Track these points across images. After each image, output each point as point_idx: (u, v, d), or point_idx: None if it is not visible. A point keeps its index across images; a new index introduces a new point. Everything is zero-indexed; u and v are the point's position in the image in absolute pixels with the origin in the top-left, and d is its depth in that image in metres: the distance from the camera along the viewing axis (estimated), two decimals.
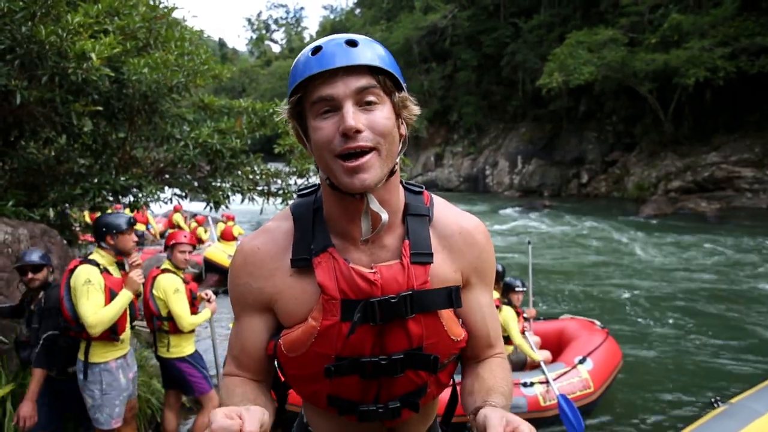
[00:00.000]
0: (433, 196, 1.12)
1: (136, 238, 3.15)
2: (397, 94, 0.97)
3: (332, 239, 1.02)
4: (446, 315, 1.03)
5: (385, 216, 0.96)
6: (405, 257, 1.00)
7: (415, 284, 0.99)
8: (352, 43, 0.93)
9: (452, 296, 1.02)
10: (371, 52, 0.94)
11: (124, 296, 2.93)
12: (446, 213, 1.09)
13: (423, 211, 1.06)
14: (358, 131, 0.90)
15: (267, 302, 1.04)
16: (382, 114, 0.93)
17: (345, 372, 1.00)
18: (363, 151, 0.91)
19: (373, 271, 0.99)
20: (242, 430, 0.77)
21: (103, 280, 2.92)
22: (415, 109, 1.00)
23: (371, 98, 0.93)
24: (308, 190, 1.11)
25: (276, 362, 1.09)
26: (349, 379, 1.02)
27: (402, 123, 1.00)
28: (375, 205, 0.96)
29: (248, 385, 1.08)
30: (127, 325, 3.11)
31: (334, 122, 0.92)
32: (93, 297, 2.84)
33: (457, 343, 1.06)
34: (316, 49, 0.93)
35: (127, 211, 4.54)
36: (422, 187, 1.11)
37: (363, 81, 0.92)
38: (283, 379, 1.15)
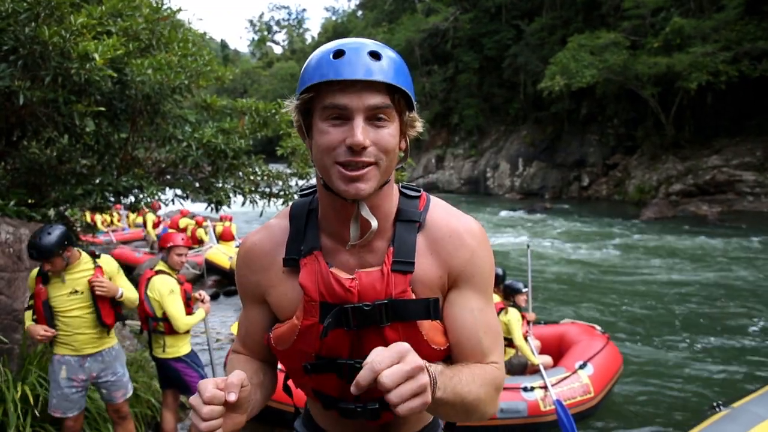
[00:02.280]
0: (433, 199, 1.11)
1: (62, 262, 3.00)
2: (407, 113, 0.98)
3: (323, 240, 1.05)
4: (427, 324, 1.02)
5: (374, 223, 0.98)
6: (386, 265, 1.01)
7: (394, 293, 0.99)
8: (375, 56, 0.92)
9: (430, 308, 1.01)
10: (392, 68, 0.93)
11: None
12: (440, 216, 1.07)
13: (414, 216, 1.05)
14: (364, 147, 0.91)
15: (262, 294, 1.11)
16: (389, 132, 0.94)
17: (322, 371, 1.05)
18: (364, 165, 0.93)
19: (352, 277, 1.00)
20: (226, 399, 0.86)
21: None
22: (419, 127, 1.01)
23: (382, 116, 0.93)
24: (309, 191, 1.14)
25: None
26: (327, 377, 1.06)
27: (404, 138, 1.01)
28: (366, 212, 0.98)
29: (249, 363, 1.16)
30: (64, 329, 3.10)
31: (341, 131, 0.92)
32: None
33: (439, 352, 1.04)
34: (338, 53, 0.92)
35: (131, 213, 4.56)
36: (420, 191, 1.10)
37: (378, 99, 0.92)
38: None
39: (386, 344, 0.95)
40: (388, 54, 0.95)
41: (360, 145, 0.90)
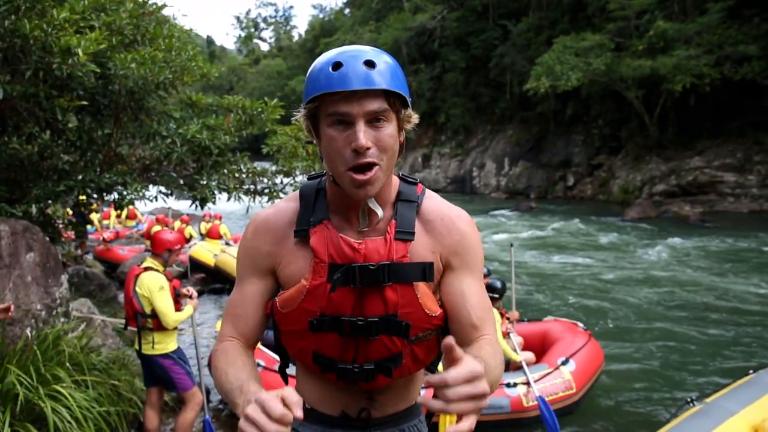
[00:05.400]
0: (427, 189, 1.24)
1: None
2: (403, 111, 1.09)
3: (331, 216, 1.17)
4: (422, 289, 1.14)
5: (380, 213, 1.13)
6: (389, 233, 1.14)
7: (395, 257, 1.12)
8: (371, 64, 1.02)
9: (426, 271, 1.14)
10: (387, 74, 1.03)
11: None
12: (434, 203, 1.21)
13: (413, 198, 1.19)
14: (367, 148, 1.03)
15: (273, 265, 1.20)
16: (388, 132, 1.05)
17: (326, 328, 1.14)
18: (369, 164, 1.04)
19: (359, 241, 1.13)
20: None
21: None
22: (415, 119, 1.13)
23: (381, 118, 1.04)
24: (315, 175, 1.26)
25: (273, 325, 1.24)
26: (329, 336, 1.16)
27: (402, 132, 1.12)
28: (373, 205, 1.12)
29: (245, 356, 1.18)
30: None
31: (345, 136, 1.04)
32: None
33: (432, 318, 1.16)
34: (336, 65, 1.02)
35: (113, 210, 4.52)
36: (416, 180, 1.23)
37: (376, 104, 1.03)
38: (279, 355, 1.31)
39: (386, 303, 1.13)
40: (384, 59, 1.05)
41: (363, 148, 1.01)
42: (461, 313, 1.16)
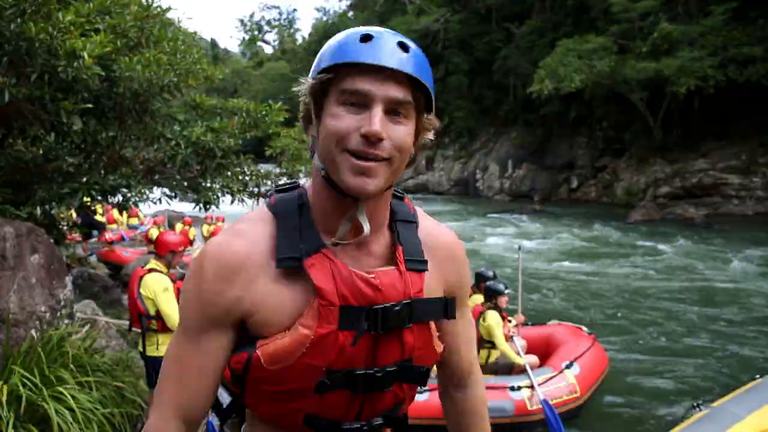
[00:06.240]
0: (414, 205, 1.08)
1: None
2: (426, 115, 0.92)
3: (325, 241, 0.93)
4: (434, 327, 0.98)
5: (366, 229, 0.90)
6: (401, 263, 0.93)
7: (412, 292, 0.93)
8: (404, 47, 0.86)
9: (447, 306, 0.97)
10: (420, 63, 0.87)
11: None
12: (429, 224, 1.05)
13: (410, 217, 1.01)
14: (381, 139, 0.83)
15: (242, 314, 0.90)
16: (407, 130, 0.87)
17: (337, 386, 0.91)
18: (376, 157, 0.85)
19: (372, 276, 0.91)
20: None
21: None
22: (431, 135, 0.96)
23: (402, 111, 0.86)
24: (287, 186, 1.00)
25: (240, 382, 0.94)
26: (337, 394, 0.92)
27: (418, 138, 0.94)
28: (361, 216, 0.90)
29: None
30: None
31: (356, 119, 0.84)
32: None
33: (438, 357, 1.03)
34: (366, 37, 0.85)
35: (116, 211, 4.54)
36: (403, 193, 1.05)
37: (401, 92, 0.85)
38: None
39: (403, 348, 0.93)
40: (416, 48, 0.88)
41: (377, 135, 0.82)
42: (464, 353, 1.10)
